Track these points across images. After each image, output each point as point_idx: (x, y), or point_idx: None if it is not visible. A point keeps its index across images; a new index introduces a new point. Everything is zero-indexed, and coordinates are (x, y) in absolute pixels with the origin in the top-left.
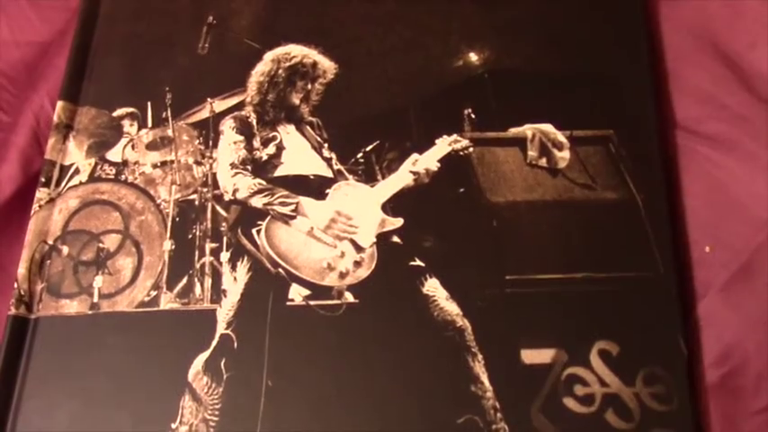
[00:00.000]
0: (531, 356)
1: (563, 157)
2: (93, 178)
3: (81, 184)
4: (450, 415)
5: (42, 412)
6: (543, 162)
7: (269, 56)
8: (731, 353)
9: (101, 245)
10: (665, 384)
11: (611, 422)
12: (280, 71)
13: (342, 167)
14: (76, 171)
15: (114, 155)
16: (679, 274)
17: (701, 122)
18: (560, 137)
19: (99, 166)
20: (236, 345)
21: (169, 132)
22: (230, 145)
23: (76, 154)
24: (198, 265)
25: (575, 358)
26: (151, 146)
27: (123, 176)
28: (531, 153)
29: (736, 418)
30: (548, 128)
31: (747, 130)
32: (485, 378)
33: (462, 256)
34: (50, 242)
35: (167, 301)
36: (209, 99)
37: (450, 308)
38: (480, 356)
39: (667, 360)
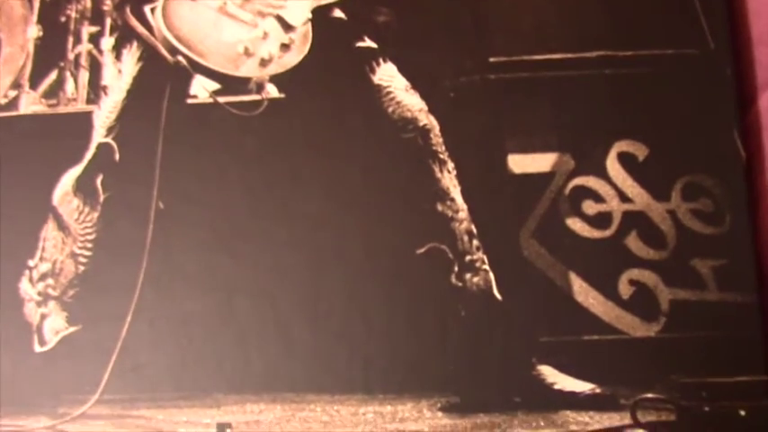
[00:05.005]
0: (523, 163)
1: None
2: None
3: None
4: (408, 243)
5: None
6: None
7: None
8: None
9: None
10: (713, 199)
11: (633, 249)
12: None
13: None
14: None
15: None
16: (735, 53)
17: None
18: None
19: None
20: (117, 156)
21: None
22: None
23: None
24: (72, 56)
25: (584, 165)
26: None
27: None
28: None
29: None
30: None
31: None
32: (456, 193)
33: (428, 33)
34: None
35: (30, 103)
36: None
37: (411, 101)
38: (450, 165)
39: (717, 166)
